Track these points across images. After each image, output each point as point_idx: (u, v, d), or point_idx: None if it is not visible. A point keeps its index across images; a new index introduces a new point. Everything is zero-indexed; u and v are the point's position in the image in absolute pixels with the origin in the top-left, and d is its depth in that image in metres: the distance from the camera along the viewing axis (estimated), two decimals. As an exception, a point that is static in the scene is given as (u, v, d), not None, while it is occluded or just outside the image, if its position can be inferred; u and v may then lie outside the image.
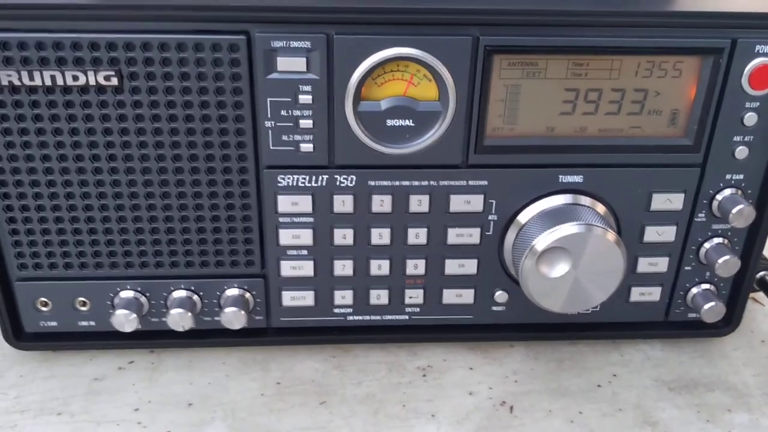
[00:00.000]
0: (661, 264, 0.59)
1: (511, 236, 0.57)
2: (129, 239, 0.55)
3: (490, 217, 0.56)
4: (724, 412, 0.57)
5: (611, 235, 0.53)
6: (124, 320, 0.56)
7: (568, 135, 0.54)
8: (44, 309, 0.58)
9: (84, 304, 0.58)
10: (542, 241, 0.53)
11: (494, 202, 0.56)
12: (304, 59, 0.49)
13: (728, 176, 0.56)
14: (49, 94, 0.49)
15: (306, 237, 0.56)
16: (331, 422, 0.56)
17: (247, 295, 0.59)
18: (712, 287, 0.61)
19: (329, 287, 0.59)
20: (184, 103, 0.50)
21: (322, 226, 0.56)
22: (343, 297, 0.59)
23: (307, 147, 0.53)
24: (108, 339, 0.60)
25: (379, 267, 0.58)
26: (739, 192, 0.56)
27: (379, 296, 0.59)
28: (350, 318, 0.60)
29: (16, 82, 0.49)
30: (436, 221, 0.56)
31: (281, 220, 0.55)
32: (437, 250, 0.57)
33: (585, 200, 0.56)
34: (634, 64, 0.52)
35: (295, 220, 0.56)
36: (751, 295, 0.63)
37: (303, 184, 0.54)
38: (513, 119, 0.53)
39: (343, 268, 0.58)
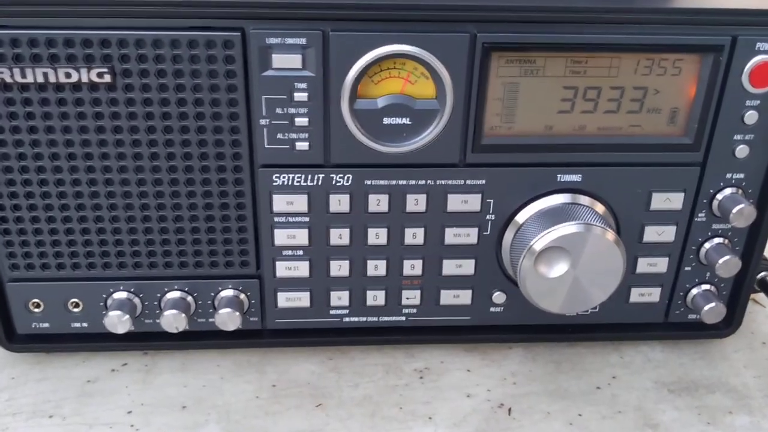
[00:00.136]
0: (660, 264, 0.59)
1: (509, 236, 0.56)
2: (122, 239, 0.55)
3: (487, 217, 0.56)
4: (725, 414, 0.57)
5: (610, 235, 0.52)
6: (117, 321, 0.56)
7: (566, 134, 0.54)
8: (36, 310, 0.58)
9: (77, 305, 0.58)
10: (541, 240, 0.52)
11: (492, 201, 0.55)
12: (300, 56, 0.49)
13: (728, 175, 0.55)
14: (42, 92, 0.49)
15: (302, 237, 0.55)
16: (327, 425, 0.55)
17: (242, 296, 0.58)
18: (713, 288, 0.60)
19: (325, 288, 0.58)
20: (178, 100, 0.49)
21: (318, 225, 0.55)
22: (340, 298, 0.58)
23: (302, 145, 0.52)
24: (101, 341, 0.59)
25: (376, 267, 0.57)
26: (740, 191, 0.56)
27: (375, 297, 0.59)
28: (346, 319, 0.60)
29: (8, 80, 0.48)
30: (434, 221, 0.56)
31: (276, 219, 0.55)
32: (434, 250, 0.57)
33: (584, 200, 0.55)
34: (634, 62, 0.51)
35: (291, 219, 0.55)
36: (752, 296, 0.63)
37: (298, 183, 0.53)
38: (511, 118, 0.53)
39: (340, 268, 0.57)
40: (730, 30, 0.50)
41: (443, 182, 0.54)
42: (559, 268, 0.53)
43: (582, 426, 0.55)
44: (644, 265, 0.58)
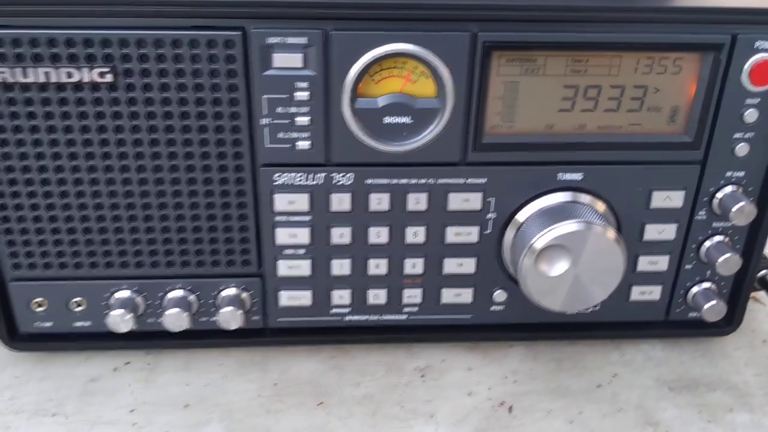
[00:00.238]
0: (661, 262, 0.59)
1: (510, 234, 0.56)
2: (124, 238, 0.55)
3: (488, 216, 0.56)
4: (726, 412, 0.57)
5: (611, 233, 0.52)
6: (120, 320, 0.56)
7: (567, 132, 0.54)
8: (39, 309, 0.58)
9: (79, 304, 0.58)
10: (541, 239, 0.52)
11: (493, 200, 0.55)
12: (301, 55, 0.49)
13: (729, 173, 0.55)
14: (43, 92, 0.49)
15: (303, 236, 0.56)
16: (328, 423, 0.55)
17: (244, 294, 0.58)
18: (713, 286, 0.60)
19: (327, 287, 0.58)
20: (179, 100, 0.50)
21: (320, 224, 0.55)
22: (341, 297, 0.59)
23: (303, 144, 0.52)
24: (103, 340, 0.59)
25: (377, 266, 0.57)
26: (740, 189, 0.56)
27: (377, 296, 0.59)
28: (348, 318, 0.60)
29: (10, 80, 0.48)
30: (435, 220, 0.56)
31: (278, 218, 0.55)
32: (435, 248, 0.57)
33: (584, 198, 0.55)
34: (634, 61, 0.51)
35: (292, 218, 0.55)
36: (753, 294, 0.63)
37: (300, 183, 0.54)
38: (511, 116, 0.53)
39: (341, 267, 0.57)
40: (730, 28, 0.50)
41: (444, 181, 0.54)
42: (559, 267, 0.53)
43: (583, 424, 0.55)
44: (645, 263, 0.59)
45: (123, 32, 0.47)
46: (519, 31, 0.49)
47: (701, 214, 0.57)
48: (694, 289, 0.60)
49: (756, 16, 0.50)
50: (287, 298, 0.58)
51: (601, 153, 0.54)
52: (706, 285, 0.60)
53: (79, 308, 0.58)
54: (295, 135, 0.52)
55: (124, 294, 0.57)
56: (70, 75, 0.48)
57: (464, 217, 0.56)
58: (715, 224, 0.58)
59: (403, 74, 0.50)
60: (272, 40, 0.48)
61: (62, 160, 0.51)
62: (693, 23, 0.50)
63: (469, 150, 0.53)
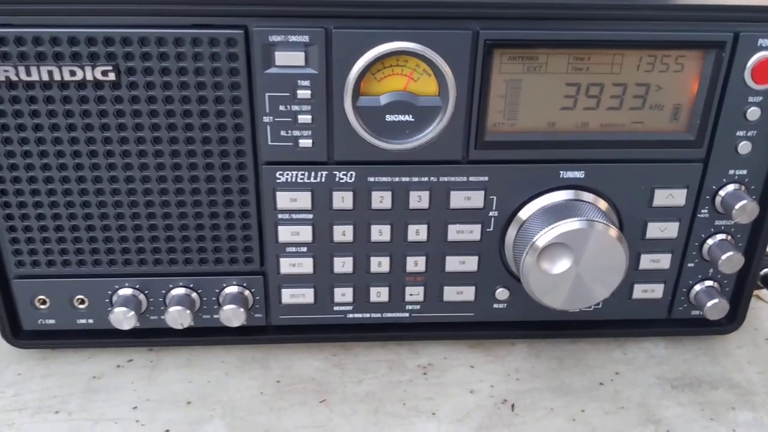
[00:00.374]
0: (663, 261, 0.59)
1: (512, 233, 0.56)
2: (127, 236, 0.55)
3: (490, 214, 0.56)
4: (728, 410, 0.57)
5: (613, 231, 0.52)
6: (122, 318, 0.56)
7: (569, 130, 0.54)
8: (42, 307, 0.58)
9: (82, 301, 0.58)
10: (543, 237, 0.52)
11: (495, 198, 0.55)
12: (303, 54, 0.49)
13: (731, 171, 0.55)
14: (47, 90, 0.49)
15: (305, 234, 0.56)
16: (331, 420, 0.55)
17: (246, 292, 0.58)
18: (716, 284, 0.60)
19: (329, 284, 0.58)
20: (182, 98, 0.50)
21: (322, 222, 0.55)
22: (343, 294, 0.59)
23: (305, 142, 0.52)
24: (106, 337, 0.60)
25: (379, 264, 0.57)
26: (743, 187, 0.56)
27: (379, 293, 0.59)
28: (350, 316, 0.60)
29: (14, 78, 0.48)
30: (437, 218, 0.56)
31: (280, 216, 0.55)
32: (438, 246, 0.57)
33: (587, 196, 0.55)
34: (636, 59, 0.51)
35: (294, 216, 0.55)
36: (755, 292, 0.63)
37: (302, 180, 0.54)
38: (514, 114, 0.53)
39: (343, 265, 0.57)
40: (733, 26, 0.50)
41: (446, 179, 0.54)
42: (561, 265, 0.53)
43: (585, 422, 0.56)
44: (647, 261, 0.59)
45: (125, 31, 0.48)
46: (521, 29, 0.49)
47: (704, 212, 0.57)
48: (697, 287, 0.60)
49: (759, 14, 0.50)
50: (289, 295, 0.58)
51: (604, 151, 0.54)
52: (708, 283, 0.60)
53: (82, 306, 0.58)
54: (297, 133, 0.52)
55: (126, 291, 0.57)
56: (73, 73, 0.48)
57: (466, 215, 0.56)
58: (717, 222, 0.57)
59: (405, 72, 0.51)
60: (274, 38, 0.49)
61: (65, 157, 0.51)
62: (695, 21, 0.50)
63: (471, 148, 0.53)
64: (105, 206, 0.54)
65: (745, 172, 0.55)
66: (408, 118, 0.52)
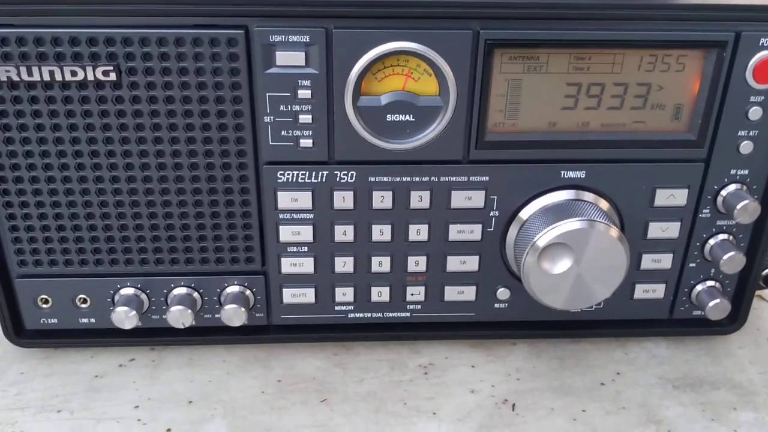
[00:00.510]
0: (665, 261, 0.59)
1: (512, 232, 0.56)
2: (128, 236, 0.55)
3: (491, 214, 0.56)
4: (730, 411, 0.57)
5: (614, 231, 0.52)
6: (124, 317, 0.56)
7: (570, 130, 0.54)
8: (45, 306, 0.58)
9: (84, 301, 0.58)
10: (544, 237, 0.52)
11: (496, 198, 0.55)
12: (303, 54, 0.49)
13: (733, 171, 0.55)
14: (48, 90, 0.49)
15: (306, 233, 0.56)
16: (332, 420, 0.55)
17: (248, 292, 0.58)
18: (717, 284, 0.60)
19: (330, 284, 0.58)
20: (183, 98, 0.50)
21: (323, 222, 0.56)
22: (344, 294, 0.59)
23: (306, 142, 0.52)
24: (109, 336, 0.60)
25: (380, 264, 0.57)
26: (744, 187, 0.56)
27: (380, 293, 0.59)
28: (351, 315, 0.60)
29: (15, 78, 0.49)
30: (438, 217, 0.56)
31: (281, 216, 0.55)
32: (438, 246, 0.57)
33: (588, 196, 0.55)
34: (637, 58, 0.51)
35: (295, 216, 0.55)
36: (758, 292, 0.63)
37: (303, 180, 0.54)
38: (514, 114, 0.53)
39: (344, 265, 0.57)
40: (734, 26, 0.50)
41: (447, 179, 0.54)
42: (562, 265, 0.53)
43: (586, 422, 0.55)
44: (648, 261, 0.58)
45: (126, 31, 0.48)
46: (521, 29, 0.49)
47: (705, 212, 0.57)
48: (699, 288, 0.60)
49: (760, 13, 0.50)
50: (291, 295, 0.59)
51: (605, 151, 0.54)
52: (710, 283, 0.60)
53: (85, 305, 0.58)
54: (298, 133, 0.52)
55: (128, 291, 0.57)
56: (74, 73, 0.49)
57: (467, 215, 0.56)
58: (719, 222, 0.57)
59: (405, 72, 0.50)
60: (275, 38, 0.49)
61: (66, 157, 0.52)
62: (697, 20, 0.50)
63: (471, 148, 0.53)
64: (106, 206, 0.54)
65: (746, 171, 0.55)
66: (408, 117, 0.52)
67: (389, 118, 0.52)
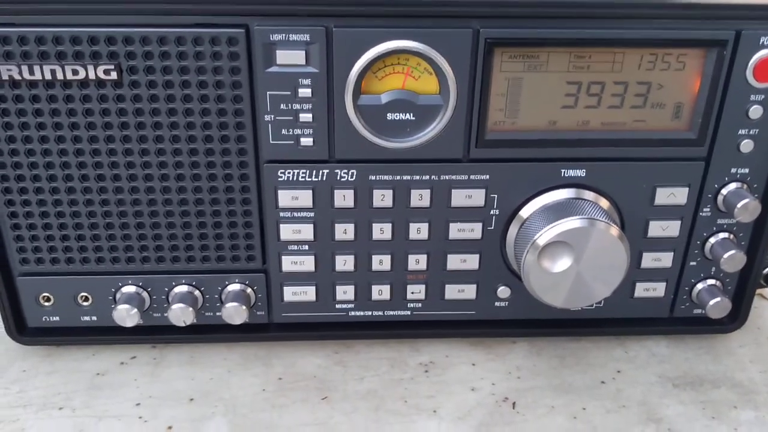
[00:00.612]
0: (665, 259, 0.59)
1: (513, 231, 0.56)
2: (130, 234, 0.55)
3: (491, 212, 0.56)
4: (730, 409, 0.57)
5: (614, 230, 0.52)
6: (126, 315, 0.57)
7: (570, 129, 0.54)
8: (47, 304, 0.59)
9: (86, 299, 0.58)
10: (544, 235, 0.52)
11: (496, 196, 0.55)
12: (304, 52, 0.49)
13: (733, 170, 0.55)
14: (50, 89, 0.49)
15: (307, 232, 0.56)
16: (332, 418, 0.55)
17: (249, 290, 0.58)
18: (718, 283, 0.60)
19: (331, 282, 0.58)
20: (184, 97, 0.50)
21: (323, 221, 0.56)
22: (345, 292, 0.59)
23: (307, 141, 0.52)
24: (110, 334, 0.60)
25: (381, 262, 0.58)
26: (745, 186, 0.56)
27: (380, 291, 0.59)
28: (352, 313, 0.60)
29: (17, 77, 0.49)
30: (438, 216, 0.56)
31: (282, 214, 0.55)
32: (439, 245, 0.57)
33: (588, 195, 0.55)
34: (637, 57, 0.51)
35: (296, 214, 0.55)
36: (759, 291, 0.63)
37: (303, 179, 0.54)
38: (514, 113, 0.53)
39: (345, 263, 0.57)
40: (734, 24, 0.50)
41: (447, 177, 0.54)
42: (562, 263, 0.53)
43: (586, 420, 0.56)
44: (649, 260, 0.58)
45: (127, 30, 0.48)
46: (521, 28, 0.49)
47: (705, 211, 0.57)
48: (699, 286, 0.60)
49: (760, 12, 0.50)
50: (291, 293, 0.59)
51: (605, 149, 0.54)
52: (710, 282, 0.60)
53: (86, 303, 0.59)
54: (298, 131, 0.52)
55: (130, 289, 0.58)
56: (75, 72, 0.49)
57: (467, 214, 0.56)
58: (719, 221, 0.57)
59: (405, 71, 0.51)
60: (275, 37, 0.49)
61: (68, 156, 0.52)
62: (697, 19, 0.50)
63: (472, 146, 0.53)
64: (108, 204, 0.54)
65: (747, 170, 0.55)
66: (409, 116, 0.52)
67: (389, 116, 0.52)
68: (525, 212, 0.56)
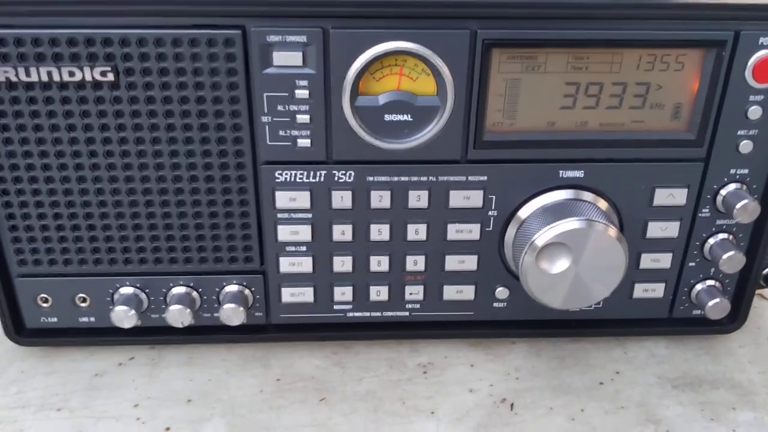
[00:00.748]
0: (664, 260, 0.58)
1: (511, 232, 0.56)
2: (127, 235, 0.55)
3: (490, 213, 0.56)
4: (729, 410, 0.57)
5: (612, 231, 0.52)
6: (123, 316, 0.57)
7: (568, 129, 0.53)
8: (45, 305, 0.59)
9: (84, 300, 0.58)
10: (542, 236, 0.52)
11: (494, 197, 0.55)
12: (301, 54, 0.49)
13: (732, 171, 0.55)
14: (46, 91, 0.49)
15: (305, 233, 0.56)
16: (330, 419, 0.55)
17: (246, 291, 0.58)
18: (717, 284, 0.60)
19: (329, 283, 0.58)
20: (181, 98, 0.50)
21: (321, 222, 0.56)
22: (343, 293, 0.59)
23: (304, 142, 0.52)
24: (108, 335, 0.60)
25: (379, 263, 0.57)
26: (744, 187, 0.55)
27: (379, 292, 0.59)
28: (350, 314, 0.60)
29: (13, 79, 0.49)
30: (436, 217, 0.56)
31: (279, 216, 0.55)
32: (437, 246, 0.57)
33: (586, 196, 0.55)
34: (636, 58, 0.51)
35: (294, 216, 0.55)
36: (759, 291, 0.63)
37: (301, 180, 0.54)
38: (513, 114, 0.53)
39: (343, 264, 0.57)
40: (733, 25, 0.50)
41: (445, 178, 0.54)
42: (560, 264, 0.53)
43: (584, 421, 0.55)
44: (648, 260, 0.58)
45: (124, 31, 0.48)
46: (519, 29, 0.49)
47: (705, 212, 0.57)
48: (698, 287, 0.60)
49: (759, 13, 0.50)
50: (290, 294, 0.59)
51: (603, 150, 0.54)
52: (710, 282, 0.60)
53: (84, 304, 0.59)
54: (295, 133, 0.52)
55: (128, 290, 0.58)
56: (72, 74, 0.49)
57: (465, 215, 0.56)
58: (718, 222, 0.57)
59: (403, 72, 0.50)
60: (272, 38, 0.49)
61: (65, 158, 0.52)
62: (696, 19, 0.50)
63: (470, 147, 0.53)
64: (105, 206, 0.54)
65: (746, 171, 0.55)
66: (406, 117, 0.52)
67: (387, 117, 0.51)
68: (523, 213, 0.55)
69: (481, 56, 0.50)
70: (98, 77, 0.49)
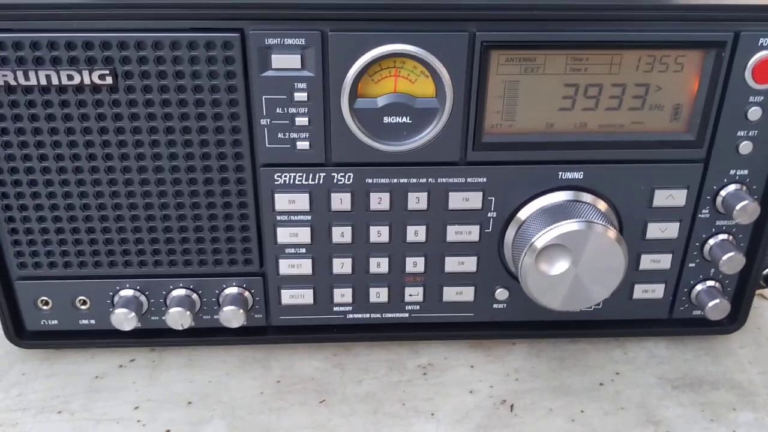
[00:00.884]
0: (664, 261, 0.58)
1: (510, 233, 0.56)
2: (127, 238, 0.55)
3: (489, 215, 0.56)
4: (729, 411, 0.57)
5: (612, 233, 0.52)
6: (123, 319, 0.57)
7: (568, 131, 0.53)
8: (45, 308, 0.59)
9: (84, 302, 0.59)
10: (542, 238, 0.52)
11: (493, 199, 0.55)
12: (299, 56, 0.49)
13: (732, 172, 0.55)
14: (45, 94, 0.49)
15: (304, 235, 0.56)
16: (330, 421, 0.55)
17: (246, 293, 0.58)
18: (717, 284, 0.60)
19: (328, 285, 0.58)
20: (179, 101, 0.50)
21: (320, 224, 0.56)
22: (343, 295, 0.59)
23: (303, 145, 0.52)
24: (109, 337, 0.60)
25: (378, 265, 0.57)
26: (744, 188, 0.55)
27: (378, 294, 0.59)
28: (350, 316, 0.60)
29: (12, 82, 0.49)
30: (435, 219, 0.56)
31: (279, 218, 0.55)
32: (436, 247, 0.57)
33: (586, 197, 0.55)
34: (635, 59, 0.51)
35: (293, 218, 0.55)
36: (759, 291, 0.63)
37: (300, 182, 0.54)
38: (511, 115, 0.53)
39: (342, 266, 0.57)
40: (733, 26, 0.50)
41: (444, 180, 0.54)
42: (560, 266, 0.53)
43: (584, 422, 0.55)
44: (647, 261, 0.58)
45: (122, 35, 0.48)
46: (518, 30, 0.49)
47: (704, 213, 0.57)
48: (698, 287, 0.60)
49: (759, 13, 0.50)
50: (289, 296, 0.59)
51: (603, 152, 0.54)
52: (710, 283, 0.60)
53: (84, 306, 0.59)
54: (294, 135, 0.52)
55: (128, 293, 0.58)
56: (70, 77, 0.49)
57: (465, 216, 0.56)
58: (718, 222, 0.57)
59: (402, 74, 0.50)
60: (270, 41, 0.49)
61: (65, 161, 0.52)
62: (695, 20, 0.50)
63: (468, 149, 0.53)
64: (105, 208, 0.54)
65: (746, 172, 0.55)
66: (405, 119, 0.52)
67: (386, 120, 0.51)
68: (522, 215, 0.55)
69: (480, 58, 0.50)
70: (97, 80, 0.49)
